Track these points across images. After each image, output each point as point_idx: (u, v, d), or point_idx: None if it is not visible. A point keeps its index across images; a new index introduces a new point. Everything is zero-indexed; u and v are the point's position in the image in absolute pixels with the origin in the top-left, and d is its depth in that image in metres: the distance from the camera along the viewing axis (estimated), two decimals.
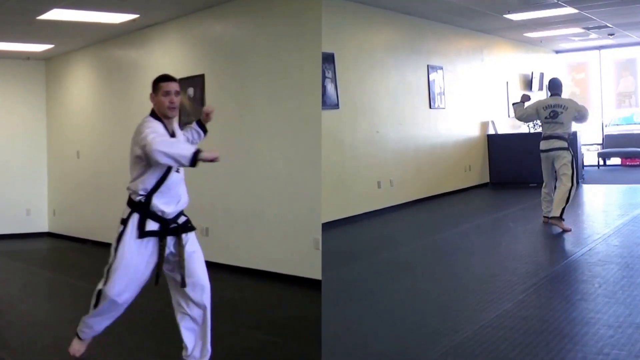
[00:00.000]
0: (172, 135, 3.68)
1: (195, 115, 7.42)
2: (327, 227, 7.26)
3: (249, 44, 6.87)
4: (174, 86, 3.67)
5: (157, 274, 3.66)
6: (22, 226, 10.29)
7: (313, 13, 6.21)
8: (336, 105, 8.19)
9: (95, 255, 8.33)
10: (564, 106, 7.17)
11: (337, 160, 8.22)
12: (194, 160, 3.34)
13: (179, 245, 3.65)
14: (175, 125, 3.78)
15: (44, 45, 9.15)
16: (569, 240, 6.67)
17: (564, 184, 7.01)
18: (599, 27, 11.71)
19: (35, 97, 10.41)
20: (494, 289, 4.91)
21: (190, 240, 3.73)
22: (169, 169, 3.58)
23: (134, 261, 3.58)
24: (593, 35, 12.74)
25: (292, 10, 6.42)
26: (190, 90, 7.48)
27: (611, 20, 11.07)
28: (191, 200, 7.11)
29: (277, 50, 6.55)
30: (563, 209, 6.96)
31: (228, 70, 7.14)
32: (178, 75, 7.53)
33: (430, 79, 10.45)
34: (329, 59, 8.00)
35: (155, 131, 3.46)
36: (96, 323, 3.83)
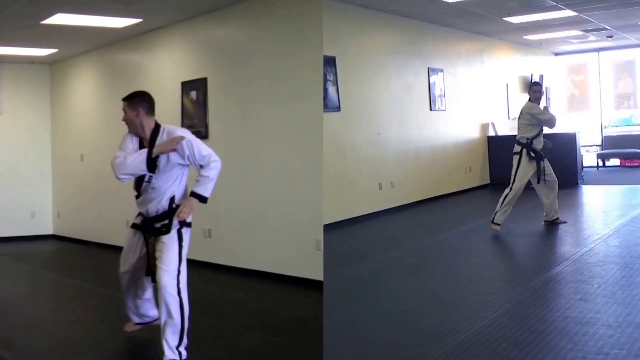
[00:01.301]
0: (146, 145, 4.07)
1: (197, 118, 7.48)
2: (329, 228, 7.30)
3: (251, 48, 6.91)
4: (123, 104, 4.12)
5: (148, 266, 4.03)
6: (27, 228, 10.33)
7: (314, 16, 6.25)
8: (337, 108, 8.24)
9: (98, 258, 8.37)
10: (521, 111, 7.35)
11: (339, 162, 8.26)
12: (150, 163, 3.92)
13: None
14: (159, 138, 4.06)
15: (48, 50, 9.20)
16: (568, 240, 6.72)
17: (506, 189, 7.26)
18: (598, 30, 11.75)
19: (39, 100, 10.46)
20: (494, 289, 4.95)
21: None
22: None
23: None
24: (592, 38, 12.78)
25: (293, 13, 6.46)
26: (193, 94, 7.53)
27: (610, 23, 11.12)
28: None
29: (279, 53, 6.60)
30: (495, 214, 7.19)
31: (230, 73, 7.18)
32: (181, 78, 7.69)
33: (431, 82, 10.50)
34: (330, 62, 8.06)
35: (122, 149, 4.14)
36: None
